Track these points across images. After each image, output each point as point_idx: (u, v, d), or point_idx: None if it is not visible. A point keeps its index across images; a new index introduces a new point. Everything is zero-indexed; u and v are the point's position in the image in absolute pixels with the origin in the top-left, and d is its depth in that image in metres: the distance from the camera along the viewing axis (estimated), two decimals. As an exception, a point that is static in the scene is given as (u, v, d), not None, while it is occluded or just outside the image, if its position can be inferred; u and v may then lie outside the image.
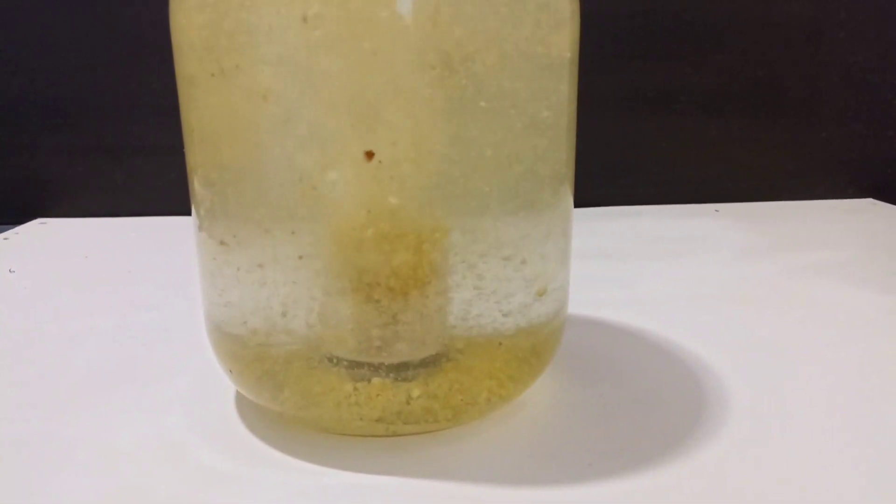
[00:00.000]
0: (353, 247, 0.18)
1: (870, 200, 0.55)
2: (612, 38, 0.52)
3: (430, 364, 0.20)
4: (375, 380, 0.19)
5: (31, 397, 0.25)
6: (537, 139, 0.20)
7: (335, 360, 0.19)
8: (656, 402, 0.24)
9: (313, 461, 0.20)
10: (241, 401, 0.24)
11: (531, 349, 0.21)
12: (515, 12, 0.18)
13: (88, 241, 0.48)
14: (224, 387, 0.25)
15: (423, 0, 0.17)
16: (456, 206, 0.19)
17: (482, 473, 0.20)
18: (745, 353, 0.28)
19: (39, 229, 0.51)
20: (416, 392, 0.20)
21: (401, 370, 0.19)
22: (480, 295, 0.20)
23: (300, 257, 0.19)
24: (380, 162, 0.18)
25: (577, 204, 0.25)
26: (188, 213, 0.22)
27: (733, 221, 0.49)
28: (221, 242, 0.20)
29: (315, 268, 0.19)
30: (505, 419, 0.23)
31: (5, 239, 0.47)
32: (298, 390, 0.20)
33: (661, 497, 0.19)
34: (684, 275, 0.38)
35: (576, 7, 0.20)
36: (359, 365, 0.19)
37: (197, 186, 0.21)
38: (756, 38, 0.53)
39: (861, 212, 0.52)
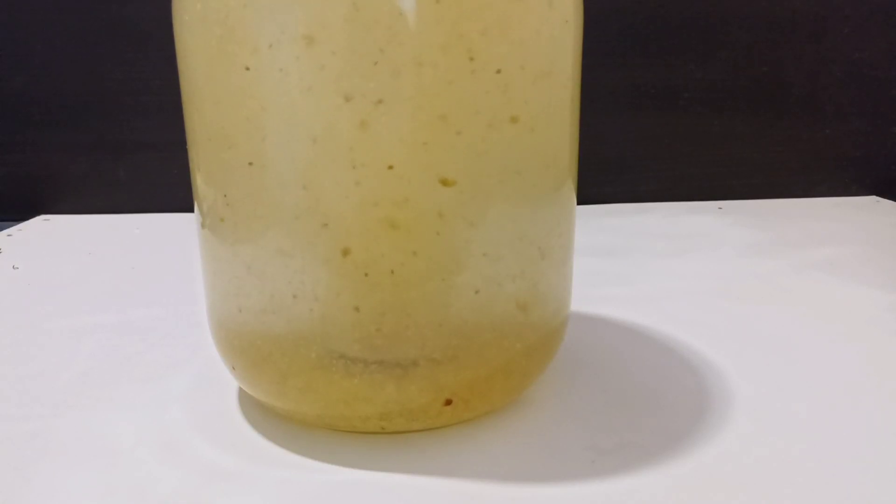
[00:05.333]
0: (356, 243, 0.18)
1: (873, 198, 0.55)
2: (616, 34, 0.52)
3: (433, 360, 0.20)
4: (378, 376, 0.19)
5: (32, 393, 0.25)
6: (540, 136, 0.20)
7: (338, 357, 0.19)
8: (659, 399, 0.24)
9: (316, 458, 0.20)
10: (243, 397, 0.24)
11: (534, 346, 0.21)
12: (519, 10, 0.18)
13: (91, 237, 0.48)
14: (227, 383, 0.25)
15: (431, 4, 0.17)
16: (459, 204, 0.18)
17: (484, 470, 0.20)
18: (748, 350, 0.27)
19: (42, 226, 0.51)
20: (418, 389, 0.20)
21: (403, 366, 0.19)
22: (483, 291, 0.20)
23: (304, 254, 0.19)
24: (390, 168, 0.18)
25: (580, 201, 0.25)
26: (191, 210, 0.22)
27: (736, 218, 0.49)
28: (224, 239, 0.20)
29: (319, 264, 0.19)
30: (507, 416, 0.23)
31: (9, 235, 0.47)
32: (301, 387, 0.20)
33: (663, 494, 0.19)
34: (687, 272, 0.38)
35: (579, 2, 0.20)
36: (361, 361, 0.19)
37: (200, 183, 0.21)
38: (760, 35, 0.53)
39: (865, 209, 0.52)
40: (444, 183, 0.18)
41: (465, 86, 0.18)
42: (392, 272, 0.19)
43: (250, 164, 0.19)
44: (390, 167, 0.18)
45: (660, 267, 0.39)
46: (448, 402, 0.20)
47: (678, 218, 0.50)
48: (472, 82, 0.18)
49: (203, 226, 0.21)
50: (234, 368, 0.22)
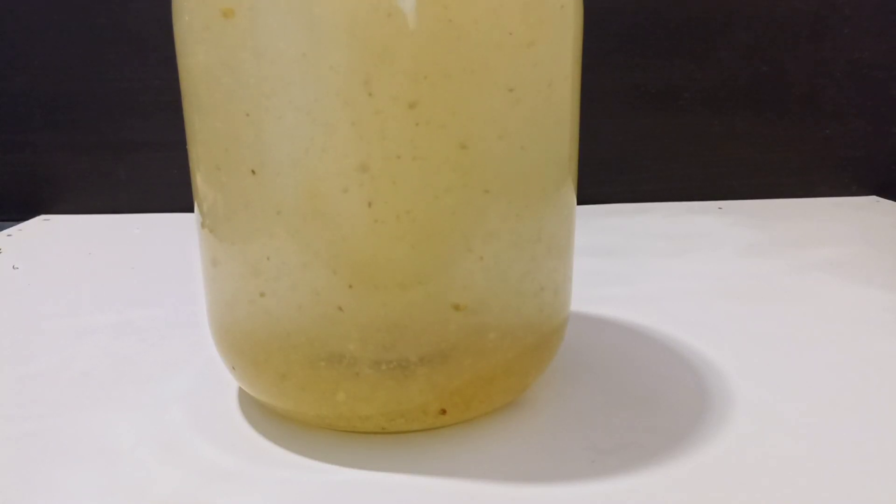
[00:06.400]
0: (356, 244, 0.18)
1: (873, 198, 0.55)
2: (616, 34, 0.52)
3: (433, 360, 0.20)
4: (378, 376, 0.19)
5: (32, 394, 0.25)
6: (540, 136, 0.20)
7: (338, 357, 0.19)
8: (659, 399, 0.24)
9: (316, 458, 0.20)
10: (243, 397, 0.24)
11: (534, 346, 0.21)
12: (515, 6, 0.18)
13: (91, 237, 0.48)
14: (227, 383, 0.25)
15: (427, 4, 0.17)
16: (458, 203, 0.18)
17: (484, 470, 0.20)
18: (748, 350, 0.27)
19: (42, 226, 0.51)
20: (418, 388, 0.20)
21: (403, 366, 0.19)
22: (483, 291, 0.20)
23: (303, 255, 0.19)
24: (379, 167, 0.18)
25: (580, 201, 0.25)
26: (191, 210, 0.22)
27: (736, 219, 0.49)
28: (224, 239, 0.20)
29: (318, 265, 0.19)
30: (507, 416, 0.23)
31: (9, 236, 0.47)
32: (301, 387, 0.20)
33: (663, 494, 0.19)
34: (687, 272, 0.38)
35: (579, 2, 0.20)
36: (361, 361, 0.19)
37: (199, 183, 0.21)
38: (760, 35, 0.53)
39: (864, 209, 0.52)
40: (442, 183, 0.18)
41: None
42: (392, 272, 0.19)
43: (251, 166, 0.19)
44: (391, 174, 0.18)
45: (660, 267, 0.39)
46: (443, 412, 0.20)
47: (678, 218, 0.50)
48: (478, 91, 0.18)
49: (203, 226, 0.21)
50: (234, 368, 0.22)
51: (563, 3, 0.19)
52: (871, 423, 0.22)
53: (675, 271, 0.38)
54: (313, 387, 0.20)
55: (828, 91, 0.54)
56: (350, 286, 0.19)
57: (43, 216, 0.53)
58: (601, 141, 0.53)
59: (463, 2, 0.17)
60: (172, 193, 0.51)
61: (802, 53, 0.53)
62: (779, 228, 0.47)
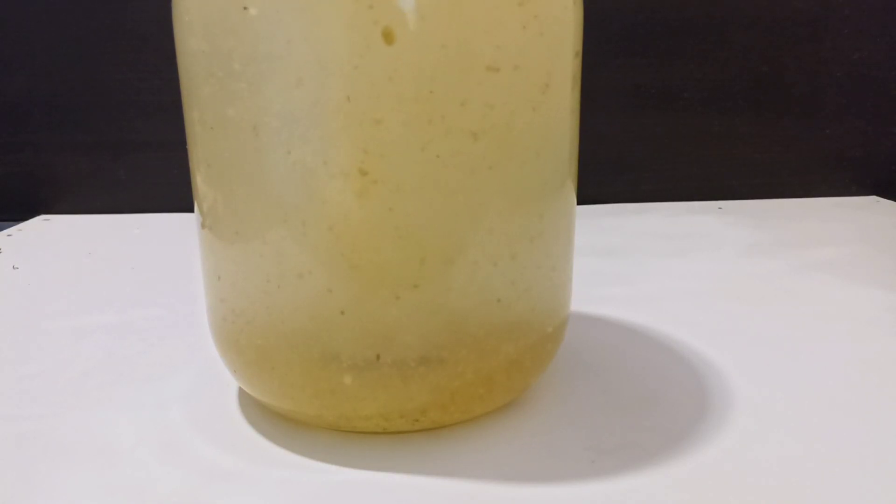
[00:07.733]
0: (354, 245, 0.18)
1: (873, 198, 0.55)
2: (616, 34, 0.52)
3: (433, 361, 0.20)
4: (378, 376, 0.19)
5: (32, 393, 0.25)
6: (539, 136, 0.20)
7: (338, 357, 0.19)
8: (659, 399, 0.24)
9: (316, 458, 0.20)
10: (243, 397, 0.24)
11: (534, 346, 0.21)
12: (516, 9, 0.18)
13: (91, 237, 0.48)
14: (227, 383, 0.25)
15: (420, 12, 0.17)
16: (457, 203, 0.19)
17: (484, 470, 0.20)
18: (748, 350, 0.27)
19: (42, 226, 0.51)
20: (418, 388, 0.20)
21: (403, 367, 0.19)
22: (483, 291, 0.20)
23: (303, 256, 0.19)
24: (376, 171, 0.18)
25: (580, 201, 0.25)
26: (191, 210, 0.22)
27: (736, 219, 0.49)
28: (224, 239, 0.20)
29: (320, 265, 0.19)
30: (507, 416, 0.23)
31: (8, 235, 0.47)
32: (301, 387, 0.20)
33: (663, 494, 0.19)
34: (687, 272, 0.38)
35: (579, 3, 0.20)
36: (361, 361, 0.19)
37: (200, 183, 0.21)
38: (759, 35, 0.53)
39: (864, 209, 0.52)
40: (440, 184, 0.18)
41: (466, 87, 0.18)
42: (393, 273, 0.19)
43: (250, 165, 0.19)
44: (392, 179, 0.18)
45: (660, 267, 0.39)
46: (443, 412, 0.20)
47: (678, 218, 0.50)
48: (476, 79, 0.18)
49: (203, 226, 0.21)
50: (234, 370, 0.22)
51: (563, 3, 0.19)
52: (871, 423, 0.22)
53: (675, 271, 0.38)
54: (313, 387, 0.20)
55: (828, 91, 0.54)
56: (350, 288, 0.19)
57: (43, 216, 0.53)
58: (601, 141, 0.53)
59: (460, 5, 0.17)
60: (172, 193, 0.51)
61: (802, 53, 0.53)
62: (779, 228, 0.47)
